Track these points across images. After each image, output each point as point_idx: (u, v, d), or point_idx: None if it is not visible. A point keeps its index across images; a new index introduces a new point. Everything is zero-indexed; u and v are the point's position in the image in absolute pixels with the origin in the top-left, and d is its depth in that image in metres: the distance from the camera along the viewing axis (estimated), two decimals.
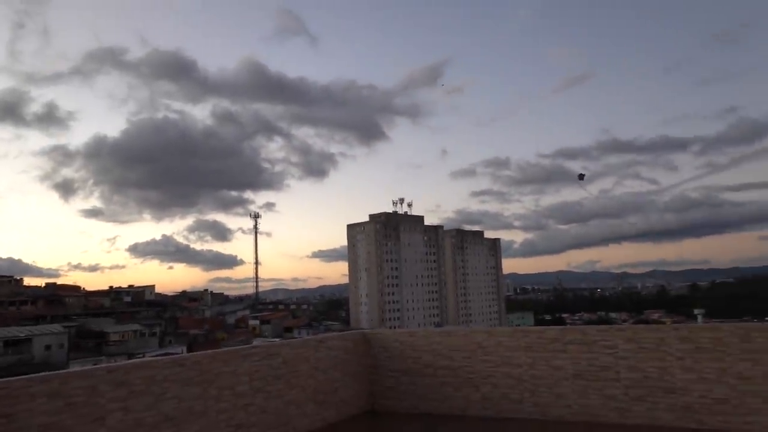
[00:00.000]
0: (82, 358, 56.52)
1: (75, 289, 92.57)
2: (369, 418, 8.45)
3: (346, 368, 8.55)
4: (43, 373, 5.00)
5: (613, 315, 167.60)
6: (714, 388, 6.80)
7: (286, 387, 7.43)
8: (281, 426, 7.24)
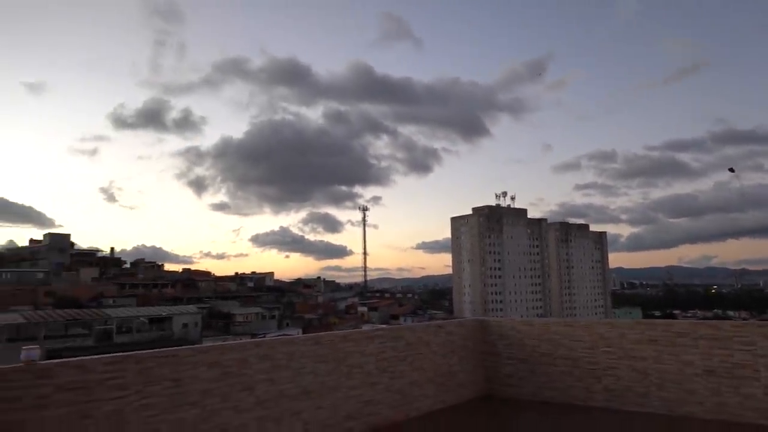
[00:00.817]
0: (213, 336, 61.33)
1: (206, 275, 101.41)
2: (486, 403, 8.59)
3: (464, 353, 8.75)
4: (204, 344, 5.65)
5: (731, 313, 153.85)
6: None
7: (409, 368, 7.76)
8: (405, 405, 7.59)
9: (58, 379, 4.55)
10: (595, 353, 8.05)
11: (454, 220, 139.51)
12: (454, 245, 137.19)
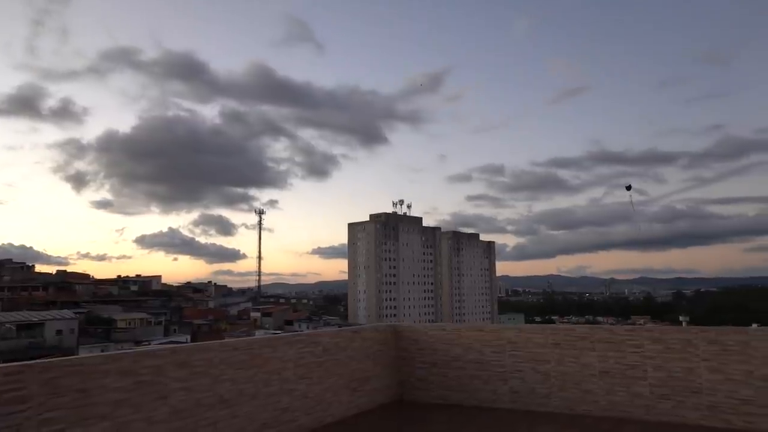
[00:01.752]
0: (91, 344, 57.06)
1: (84, 277, 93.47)
2: (398, 407, 8.71)
3: (378, 359, 8.82)
4: (116, 352, 5.25)
5: (600, 319, 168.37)
6: (740, 389, 7.09)
7: (326, 374, 7.69)
8: (320, 411, 7.50)
9: None
10: (502, 357, 8.44)
11: (351, 226, 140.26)
12: (351, 251, 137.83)
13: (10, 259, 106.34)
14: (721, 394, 7.17)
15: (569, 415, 7.83)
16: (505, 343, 8.46)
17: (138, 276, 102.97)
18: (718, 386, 7.18)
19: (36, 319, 57.40)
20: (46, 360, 4.60)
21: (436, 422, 8.06)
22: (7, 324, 55.43)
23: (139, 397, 5.30)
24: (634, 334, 7.85)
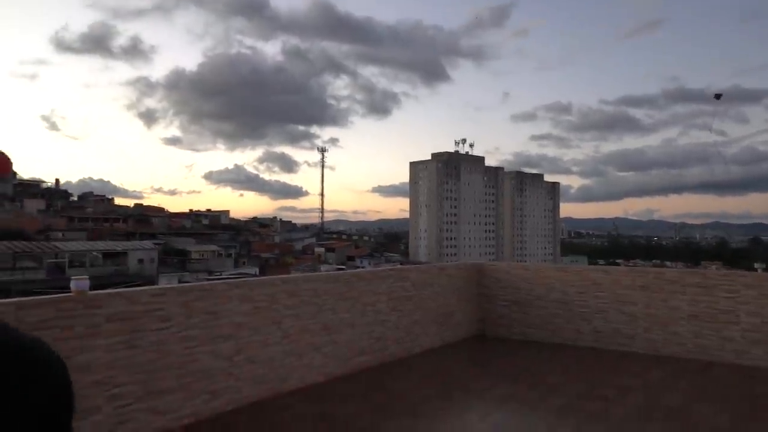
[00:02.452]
0: (169, 272, 60.80)
1: (159, 210, 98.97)
2: (481, 342, 9.05)
3: (462, 295, 9.11)
4: (237, 279, 5.71)
5: (668, 264, 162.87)
6: None
7: (414, 308, 8.06)
8: (409, 342, 7.92)
9: (107, 309, 4.56)
10: (586, 297, 8.53)
11: (413, 164, 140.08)
12: (412, 190, 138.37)
13: (92, 192, 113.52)
14: None
15: (655, 356, 7.91)
16: (590, 284, 8.52)
17: (208, 210, 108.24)
18: None
19: (120, 249, 61.63)
20: (183, 284, 5.09)
21: (519, 356, 8.34)
22: (95, 252, 59.80)
23: (257, 321, 5.80)
24: (729, 279, 7.73)
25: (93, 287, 4.68)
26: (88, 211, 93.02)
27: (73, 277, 4.46)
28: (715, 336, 7.64)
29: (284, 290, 6.09)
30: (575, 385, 6.57)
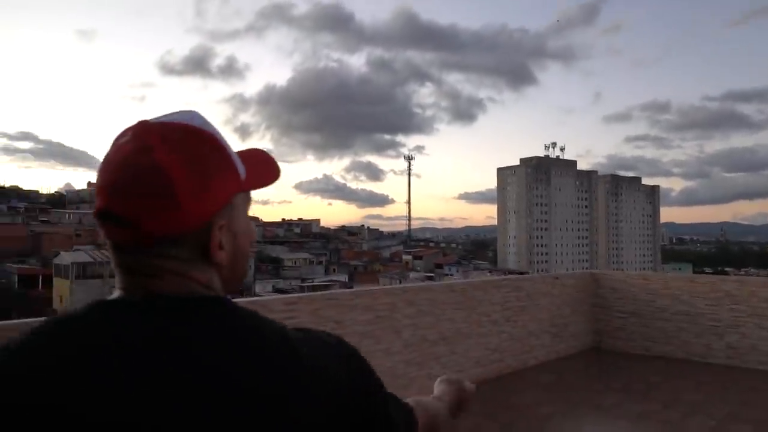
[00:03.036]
0: (264, 279, 63.49)
1: (254, 219, 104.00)
2: (597, 354, 8.64)
3: (576, 306, 8.75)
4: (360, 289, 5.81)
5: None
6: None
7: (529, 319, 7.83)
8: (525, 353, 7.70)
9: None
10: (719, 310, 7.91)
11: (500, 170, 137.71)
12: (500, 196, 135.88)
13: None
14: None
15: None
16: (723, 295, 7.90)
17: (300, 219, 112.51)
18: None
19: None
20: (311, 293, 5.23)
21: (643, 371, 7.86)
22: None
23: (378, 331, 5.86)
24: None
25: None
26: None
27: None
28: None
29: (403, 299, 6.12)
30: (717, 405, 6.09)
